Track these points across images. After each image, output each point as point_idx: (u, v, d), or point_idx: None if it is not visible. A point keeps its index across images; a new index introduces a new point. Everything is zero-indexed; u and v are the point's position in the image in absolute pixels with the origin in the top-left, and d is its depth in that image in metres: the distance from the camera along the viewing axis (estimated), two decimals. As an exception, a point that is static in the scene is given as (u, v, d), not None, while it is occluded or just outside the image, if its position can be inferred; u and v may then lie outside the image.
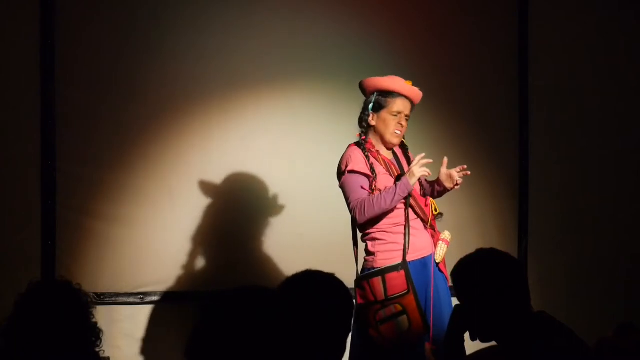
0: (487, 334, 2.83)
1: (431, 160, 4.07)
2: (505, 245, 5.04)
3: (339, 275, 2.66)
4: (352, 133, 4.44)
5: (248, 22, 5.06)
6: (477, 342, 2.91)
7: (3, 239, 4.81)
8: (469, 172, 4.17)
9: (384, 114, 4.15)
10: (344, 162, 4.13)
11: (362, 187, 4.07)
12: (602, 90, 5.54)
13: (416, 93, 4.20)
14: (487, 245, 2.93)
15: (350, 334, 4.03)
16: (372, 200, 4.01)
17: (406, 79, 4.27)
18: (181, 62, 4.99)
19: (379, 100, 4.16)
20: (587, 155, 5.52)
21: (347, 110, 5.08)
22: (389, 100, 4.15)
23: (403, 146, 4.33)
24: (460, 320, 2.91)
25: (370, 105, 4.17)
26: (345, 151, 4.18)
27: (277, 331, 2.05)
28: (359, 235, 4.25)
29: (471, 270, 2.83)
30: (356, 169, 4.07)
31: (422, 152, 4.38)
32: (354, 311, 2.67)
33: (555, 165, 5.49)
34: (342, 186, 4.14)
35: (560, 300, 5.27)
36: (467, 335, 2.94)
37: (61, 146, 4.86)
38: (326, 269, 2.68)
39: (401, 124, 4.14)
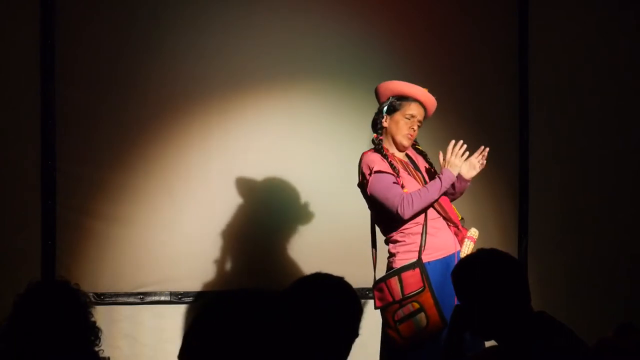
0: (487, 333, 2.83)
1: (461, 142, 4.12)
2: (505, 245, 5.04)
3: (342, 275, 2.66)
4: (353, 133, 4.45)
5: (248, 22, 5.06)
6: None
7: (3, 239, 4.81)
8: (487, 151, 4.19)
9: (397, 116, 4.18)
10: (366, 167, 4.09)
11: (394, 184, 4.05)
12: (602, 90, 5.53)
13: (431, 100, 4.23)
14: (487, 245, 2.93)
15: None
16: (419, 194, 4.03)
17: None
18: (181, 62, 4.99)
19: (394, 103, 4.19)
20: (587, 155, 5.52)
21: (347, 110, 5.09)
22: (404, 103, 4.19)
23: (421, 152, 4.34)
24: (460, 320, 2.91)
25: (385, 108, 4.20)
26: (362, 159, 4.15)
27: (272, 334, 2.04)
28: (381, 239, 4.23)
29: (471, 270, 2.83)
30: (382, 169, 4.07)
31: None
32: (361, 316, 2.66)
33: (555, 165, 5.49)
34: (372, 190, 4.07)
35: (560, 300, 5.27)
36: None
37: (61, 146, 4.86)
38: (326, 268, 2.68)
39: (413, 128, 4.17)
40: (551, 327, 2.79)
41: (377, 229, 4.26)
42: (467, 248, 4.11)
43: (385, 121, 4.20)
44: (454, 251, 4.11)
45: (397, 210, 4.02)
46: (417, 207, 4.03)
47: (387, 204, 4.04)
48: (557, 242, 5.47)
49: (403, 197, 4.01)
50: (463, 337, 3.03)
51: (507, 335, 2.78)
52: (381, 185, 4.05)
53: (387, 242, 4.19)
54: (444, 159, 4.15)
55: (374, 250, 4.25)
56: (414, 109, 4.18)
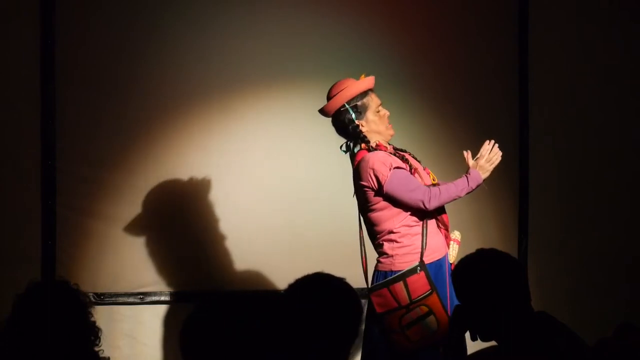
0: (487, 333, 2.83)
1: (495, 144, 4.11)
2: (505, 245, 5.03)
3: (342, 276, 2.66)
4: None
5: (248, 22, 5.06)
6: (477, 342, 2.91)
7: (3, 239, 4.81)
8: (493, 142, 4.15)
9: (369, 115, 4.10)
10: (382, 165, 3.99)
11: (414, 177, 4.03)
12: (602, 90, 5.53)
13: (374, 80, 4.16)
14: (487, 245, 2.93)
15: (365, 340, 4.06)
16: (446, 188, 4.03)
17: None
18: (181, 62, 4.99)
19: (357, 105, 4.10)
20: (587, 155, 5.52)
21: (347, 110, 5.08)
22: (365, 101, 4.11)
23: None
24: (460, 320, 2.91)
25: (353, 116, 4.09)
26: (367, 160, 4.04)
27: (272, 335, 2.04)
28: (368, 235, 4.20)
29: (471, 271, 2.83)
30: (400, 165, 4.03)
31: (420, 152, 4.38)
32: (362, 318, 2.66)
33: (555, 165, 5.49)
34: (393, 186, 3.98)
35: (560, 300, 5.27)
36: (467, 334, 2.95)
37: (61, 146, 4.86)
38: (326, 269, 2.68)
39: (387, 115, 4.14)
40: (551, 327, 2.79)
41: (365, 233, 4.21)
42: (454, 251, 4.11)
43: (363, 125, 4.09)
44: (444, 253, 4.10)
45: (422, 202, 3.99)
46: (444, 199, 4.02)
47: (412, 196, 3.99)
48: (557, 242, 5.47)
49: (430, 189, 4.01)
50: (463, 337, 3.03)
51: (507, 335, 2.78)
52: (404, 180, 3.99)
53: (379, 239, 4.10)
54: (474, 159, 4.14)
55: (363, 255, 4.21)
56: (375, 99, 4.13)
